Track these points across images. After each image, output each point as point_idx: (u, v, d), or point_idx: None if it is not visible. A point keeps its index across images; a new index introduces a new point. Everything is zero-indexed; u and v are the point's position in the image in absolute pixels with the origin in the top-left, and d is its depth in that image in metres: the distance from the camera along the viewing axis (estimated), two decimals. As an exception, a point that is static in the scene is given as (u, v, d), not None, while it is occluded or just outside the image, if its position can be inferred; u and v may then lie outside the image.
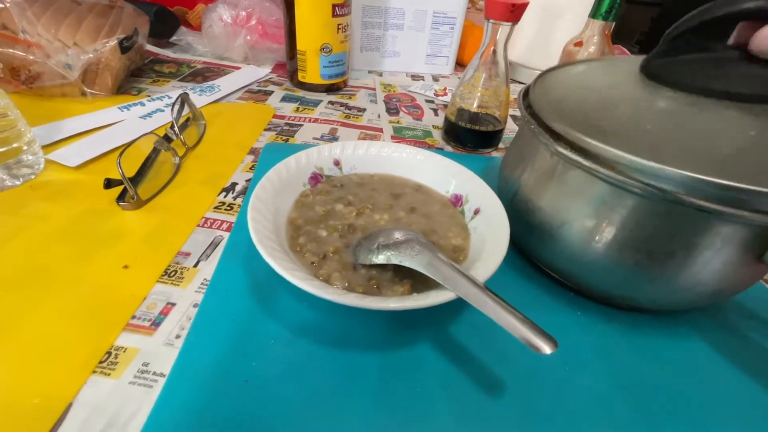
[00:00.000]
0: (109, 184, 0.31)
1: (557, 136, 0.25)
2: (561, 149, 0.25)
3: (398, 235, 0.26)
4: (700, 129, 0.23)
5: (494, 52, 0.42)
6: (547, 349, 0.19)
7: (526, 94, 0.31)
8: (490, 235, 0.28)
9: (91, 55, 0.46)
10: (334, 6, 0.52)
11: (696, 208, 0.21)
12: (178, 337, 0.24)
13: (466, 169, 0.33)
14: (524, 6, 0.39)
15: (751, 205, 0.20)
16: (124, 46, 0.48)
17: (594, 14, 0.50)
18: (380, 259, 0.25)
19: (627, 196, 0.23)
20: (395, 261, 0.25)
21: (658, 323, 0.28)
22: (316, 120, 0.51)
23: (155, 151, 0.38)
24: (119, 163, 0.31)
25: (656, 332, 0.27)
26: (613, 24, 0.49)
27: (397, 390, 0.22)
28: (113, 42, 0.47)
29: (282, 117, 0.51)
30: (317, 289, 0.22)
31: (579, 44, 0.53)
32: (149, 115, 0.46)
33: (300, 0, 0.51)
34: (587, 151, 0.23)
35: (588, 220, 0.25)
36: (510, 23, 0.40)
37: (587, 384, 0.24)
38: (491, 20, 0.40)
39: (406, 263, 0.24)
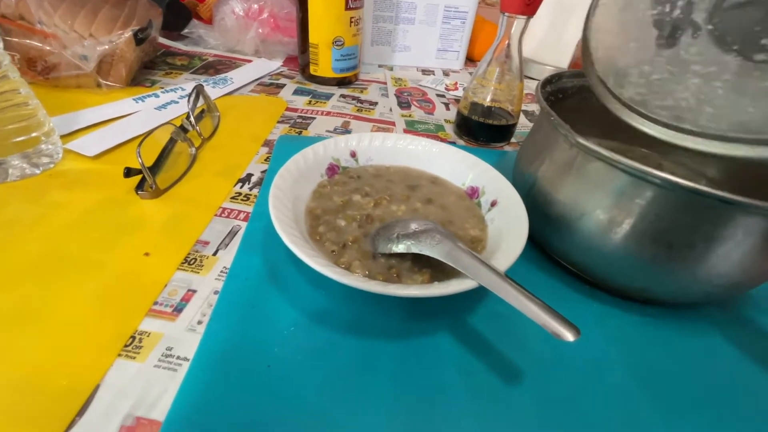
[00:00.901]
0: (128, 172, 0.32)
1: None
2: (581, 140, 0.25)
3: (417, 226, 0.26)
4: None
5: (508, 46, 0.42)
6: (570, 336, 0.19)
7: (545, 84, 0.31)
8: (508, 226, 0.28)
9: (107, 47, 0.46)
10: (347, -1, 0.52)
11: (718, 199, 0.21)
12: (200, 323, 0.24)
13: (481, 161, 0.33)
14: (540, -1, 0.39)
15: None
16: (139, 38, 0.48)
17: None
18: (400, 248, 0.25)
19: (648, 187, 0.23)
20: (415, 250, 0.25)
21: (673, 316, 0.28)
22: (328, 113, 0.51)
23: (171, 142, 0.38)
24: (139, 152, 0.31)
25: (671, 324, 0.27)
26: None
27: (416, 376, 0.23)
28: (128, 34, 0.47)
29: (294, 110, 0.51)
30: (341, 275, 0.22)
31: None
32: (164, 106, 0.47)
33: (313, -7, 0.51)
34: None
35: (607, 212, 0.25)
36: (525, 17, 0.39)
37: (603, 373, 0.24)
38: (506, 13, 0.40)
39: (426, 252, 0.24)
